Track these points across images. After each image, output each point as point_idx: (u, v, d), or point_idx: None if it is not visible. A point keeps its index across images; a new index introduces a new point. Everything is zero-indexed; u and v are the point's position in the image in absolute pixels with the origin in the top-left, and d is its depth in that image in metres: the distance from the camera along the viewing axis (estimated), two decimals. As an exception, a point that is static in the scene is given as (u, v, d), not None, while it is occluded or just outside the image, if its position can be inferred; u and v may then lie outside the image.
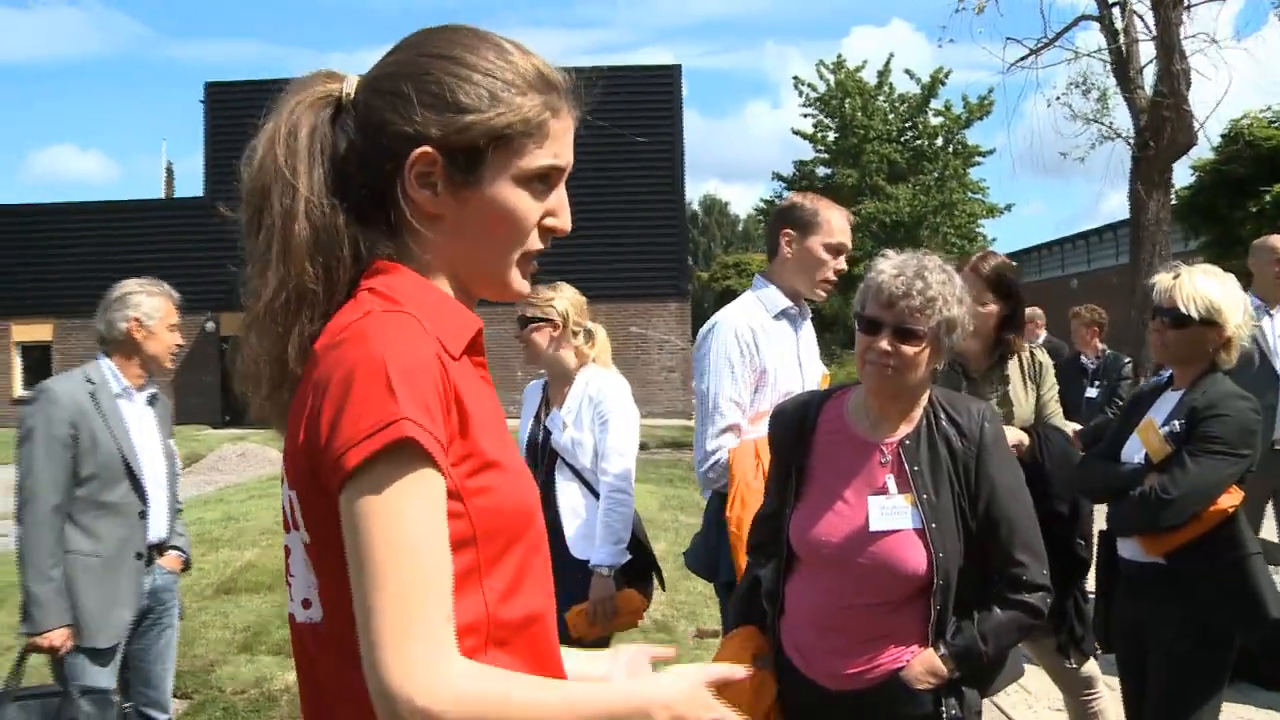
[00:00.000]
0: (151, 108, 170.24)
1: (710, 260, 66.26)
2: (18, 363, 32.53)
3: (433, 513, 1.26)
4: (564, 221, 1.51)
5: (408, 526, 1.23)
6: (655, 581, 4.57)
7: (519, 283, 1.50)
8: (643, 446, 16.89)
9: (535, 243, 1.48)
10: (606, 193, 32.35)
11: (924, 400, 2.81)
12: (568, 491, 4.37)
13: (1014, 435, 3.96)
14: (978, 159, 34.09)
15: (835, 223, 3.90)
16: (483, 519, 1.35)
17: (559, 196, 1.50)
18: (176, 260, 23.03)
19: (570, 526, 4.31)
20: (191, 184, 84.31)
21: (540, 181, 1.45)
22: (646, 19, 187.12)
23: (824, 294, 3.96)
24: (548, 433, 4.47)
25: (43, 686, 4.00)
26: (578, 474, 4.38)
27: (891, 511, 2.68)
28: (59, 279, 30.49)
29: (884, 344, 2.67)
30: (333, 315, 1.39)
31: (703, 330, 4.01)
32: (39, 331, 32.31)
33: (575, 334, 4.46)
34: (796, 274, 3.94)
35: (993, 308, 4.20)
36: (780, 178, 36.54)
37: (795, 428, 2.92)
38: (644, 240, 32.51)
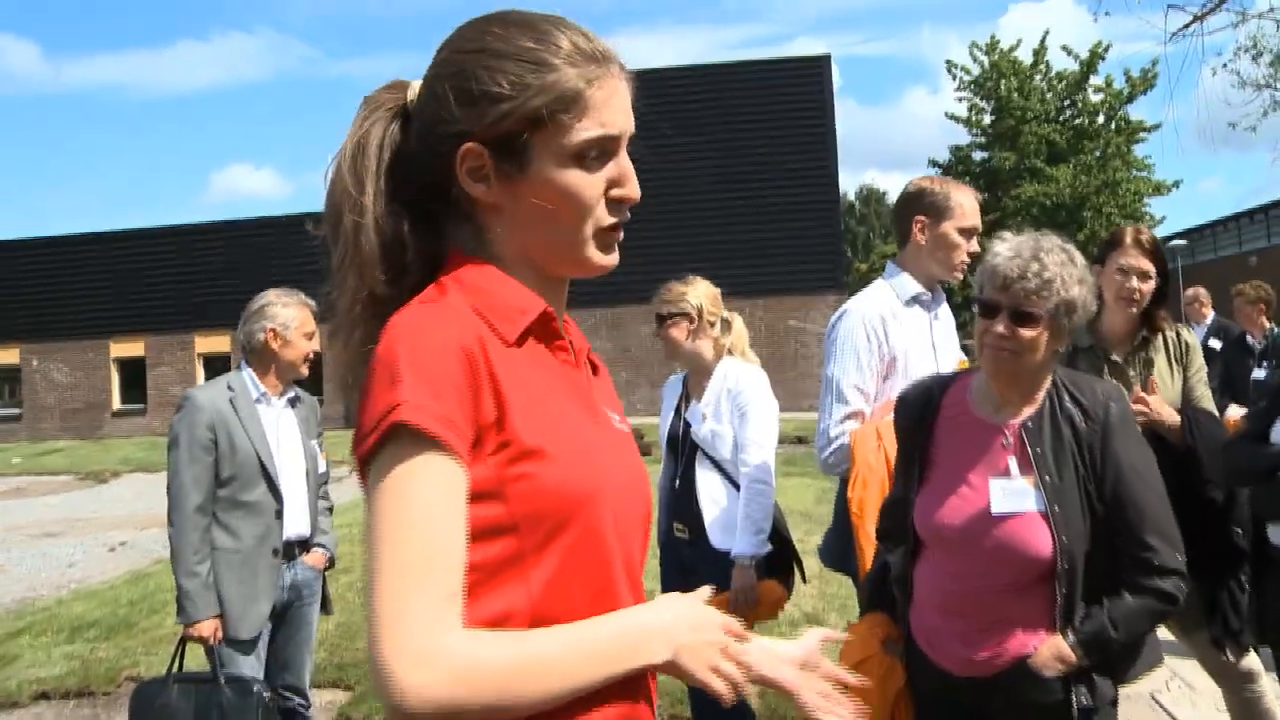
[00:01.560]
0: (319, 125, 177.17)
1: (870, 251, 65.42)
2: (200, 373, 34.22)
3: (434, 491, 1.27)
4: (631, 190, 1.48)
5: (407, 508, 1.26)
6: (797, 574, 4.59)
7: (600, 258, 1.49)
8: (800, 440, 16.91)
9: (605, 216, 1.47)
10: (761, 188, 32.30)
11: (1047, 382, 2.77)
12: (708, 483, 4.42)
13: (1167, 415, 3.84)
14: (1142, 135, 32.66)
15: (967, 205, 3.87)
16: (522, 505, 1.34)
17: (621, 165, 1.47)
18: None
19: (710, 517, 4.37)
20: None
21: (594, 155, 1.43)
22: (797, 11, 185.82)
23: (960, 276, 3.92)
24: (688, 425, 4.53)
25: (198, 673, 4.26)
26: (718, 465, 4.42)
27: (1013, 494, 2.66)
28: (230, 293, 31.96)
29: (1000, 327, 2.65)
30: None
31: (833, 318, 4.01)
32: (218, 344, 33.96)
33: (711, 325, 4.52)
34: (931, 259, 3.91)
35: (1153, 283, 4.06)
36: (936, 164, 35.66)
37: (918, 412, 2.91)
38: (800, 234, 32.30)
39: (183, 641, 4.28)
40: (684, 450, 4.55)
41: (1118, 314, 4.04)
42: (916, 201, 3.94)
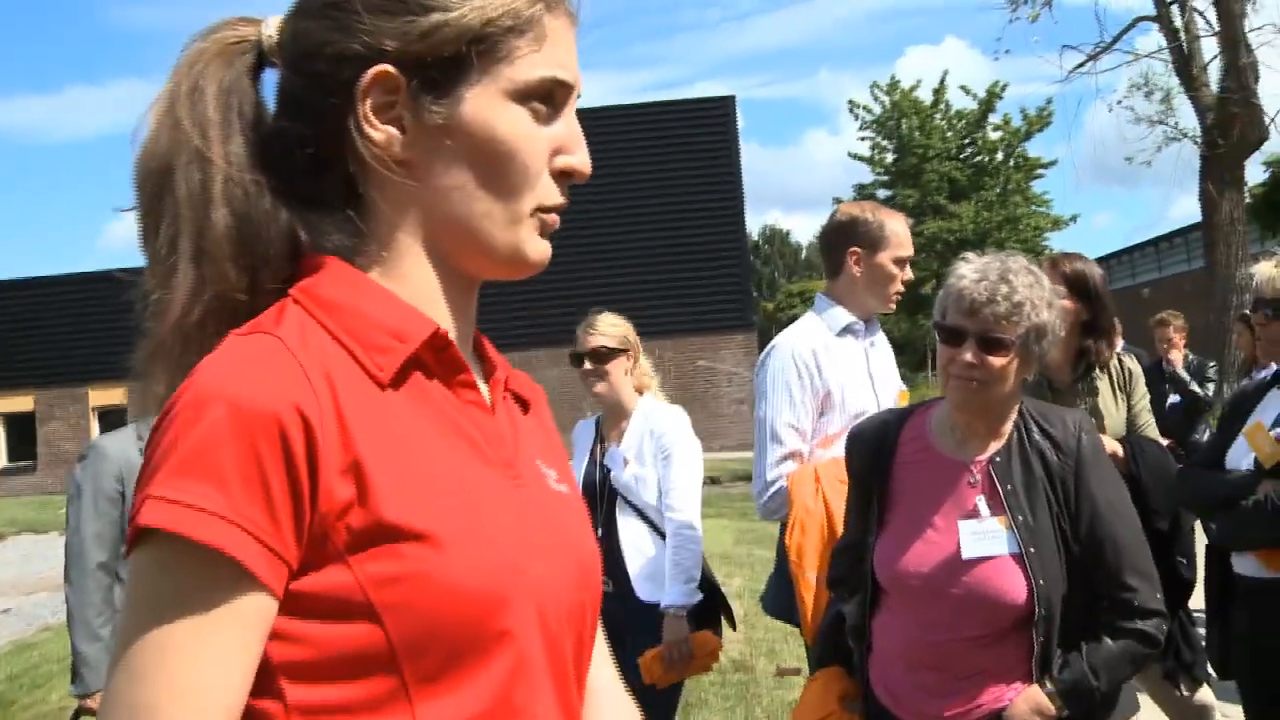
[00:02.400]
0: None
1: (775, 290, 66.07)
2: (95, 427, 33.14)
3: (186, 635, 0.89)
4: (580, 160, 1.11)
5: (143, 658, 0.89)
6: (725, 621, 4.35)
7: (537, 247, 1.10)
8: (714, 480, 16.85)
9: (551, 191, 1.09)
10: (668, 228, 32.37)
11: (1014, 414, 2.58)
12: (632, 531, 4.16)
13: (1108, 444, 3.71)
14: (1040, 171, 33.61)
15: (901, 233, 3.71)
16: (401, 621, 0.94)
17: (570, 127, 1.10)
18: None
19: (635, 567, 4.11)
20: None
21: (542, 101, 1.07)
22: (698, 55, 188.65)
23: (893, 306, 3.75)
24: (606, 471, 4.26)
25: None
26: (640, 513, 4.17)
27: (984, 536, 2.46)
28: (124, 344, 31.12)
29: (968, 355, 2.45)
30: None
31: (761, 355, 3.81)
32: (113, 396, 32.96)
33: (635, 362, 4.29)
34: (867, 291, 3.72)
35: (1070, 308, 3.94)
36: (840, 202, 36.21)
37: (874, 449, 2.70)
38: (707, 273, 32.40)
39: (78, 714, 3.98)
40: (603, 498, 4.28)
41: (1067, 341, 3.91)
42: (850, 231, 3.75)
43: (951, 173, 33.04)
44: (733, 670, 6.69)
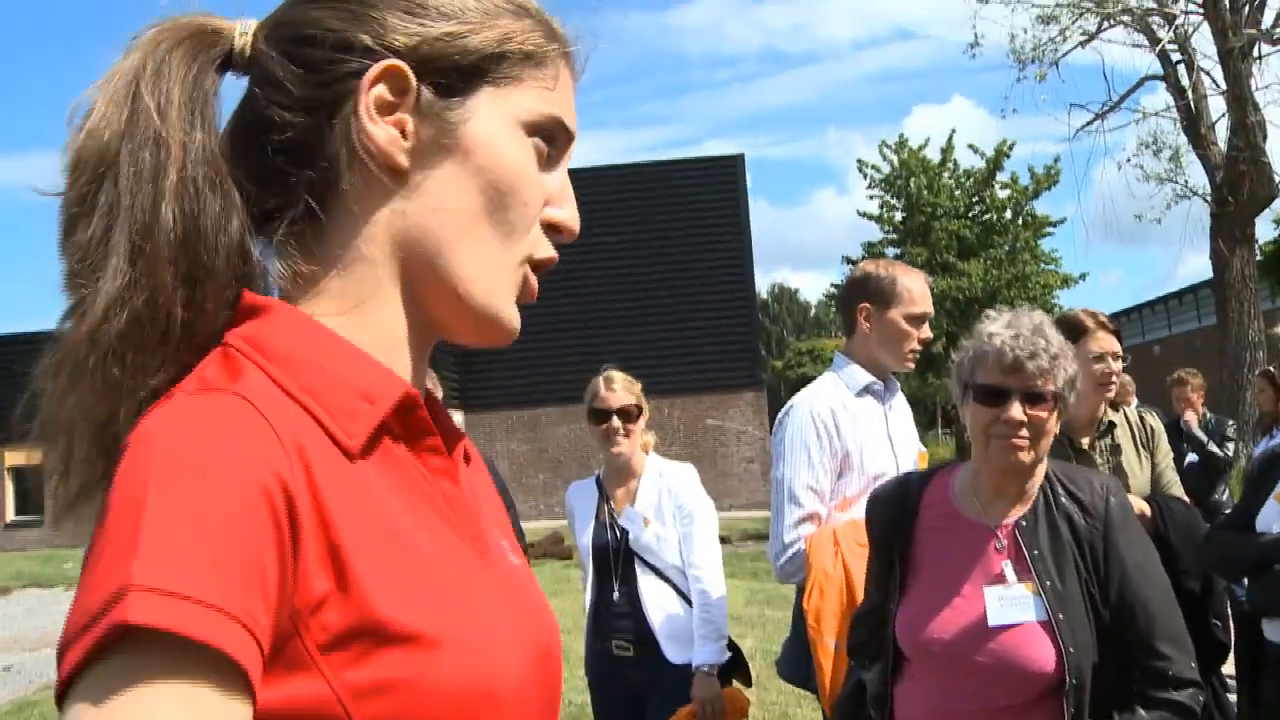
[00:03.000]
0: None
1: (784, 348, 66.14)
2: (9, 488, 33.40)
3: None
4: (569, 215, 1.01)
5: None
6: (740, 681, 4.28)
7: (510, 308, 0.98)
8: (725, 539, 16.66)
9: (543, 243, 0.99)
10: (677, 286, 32.42)
11: (1040, 475, 2.51)
12: (655, 593, 4.11)
13: (1135, 504, 3.63)
14: (1049, 229, 33.66)
15: (916, 290, 3.64)
16: None
17: (563, 180, 1.02)
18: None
19: (660, 629, 4.05)
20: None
21: (546, 142, 0.98)
22: (705, 114, 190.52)
23: (912, 365, 3.68)
24: (620, 532, 4.18)
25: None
26: (660, 573, 4.11)
27: (1011, 603, 2.38)
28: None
29: (1015, 413, 2.39)
30: (188, 371, 0.87)
31: (780, 415, 3.74)
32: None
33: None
34: (880, 349, 3.66)
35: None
36: (850, 261, 36.18)
37: (895, 512, 2.63)
38: (716, 332, 32.43)
39: None
40: (619, 560, 4.19)
41: (1089, 400, 3.85)
42: (861, 288, 3.71)
43: (960, 231, 33.08)
44: (747, 735, 6.56)
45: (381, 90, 0.91)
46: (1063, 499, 2.47)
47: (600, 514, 4.29)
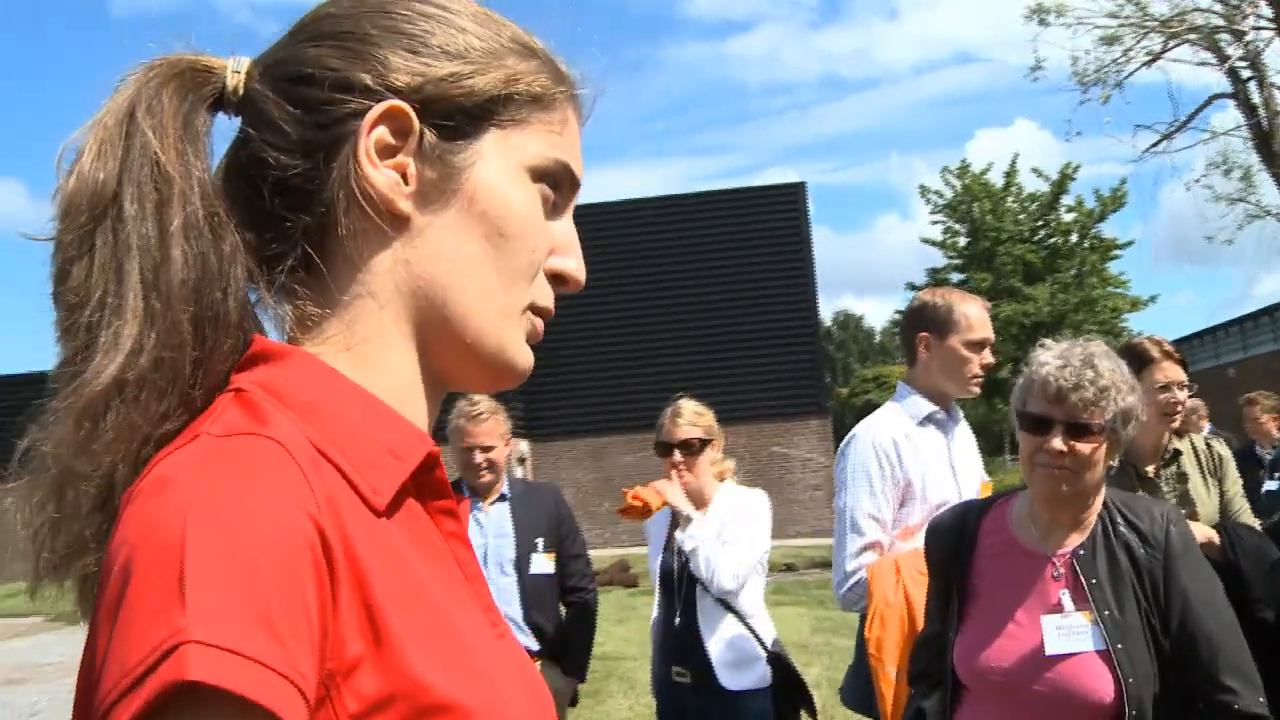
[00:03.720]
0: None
1: (849, 375, 65.72)
2: None
3: None
4: (574, 265, 0.98)
5: None
6: (806, 713, 4.27)
7: (522, 351, 0.95)
8: (790, 567, 16.63)
9: (545, 291, 0.96)
10: (740, 314, 32.40)
11: (1098, 504, 2.51)
12: (712, 619, 4.13)
13: (1202, 532, 3.60)
14: (1116, 252, 33.17)
15: (973, 316, 3.65)
16: None
17: (569, 227, 0.98)
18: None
19: (717, 655, 4.08)
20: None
21: (552, 188, 0.95)
22: (766, 141, 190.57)
23: (976, 391, 3.68)
24: (684, 558, 4.22)
25: None
26: (721, 601, 4.13)
27: (1069, 632, 2.38)
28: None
29: (1056, 443, 2.40)
30: (196, 416, 0.83)
31: (842, 444, 3.77)
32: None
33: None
34: (941, 377, 3.68)
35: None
36: (913, 287, 35.88)
37: (954, 542, 2.65)
38: (780, 359, 32.32)
39: None
40: (681, 584, 4.24)
41: (1154, 429, 3.83)
42: (919, 317, 3.75)
43: (1025, 255, 32.71)
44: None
45: (382, 132, 0.88)
46: (1121, 528, 2.47)
47: (670, 540, 4.35)
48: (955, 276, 34.51)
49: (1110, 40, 19.27)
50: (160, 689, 0.62)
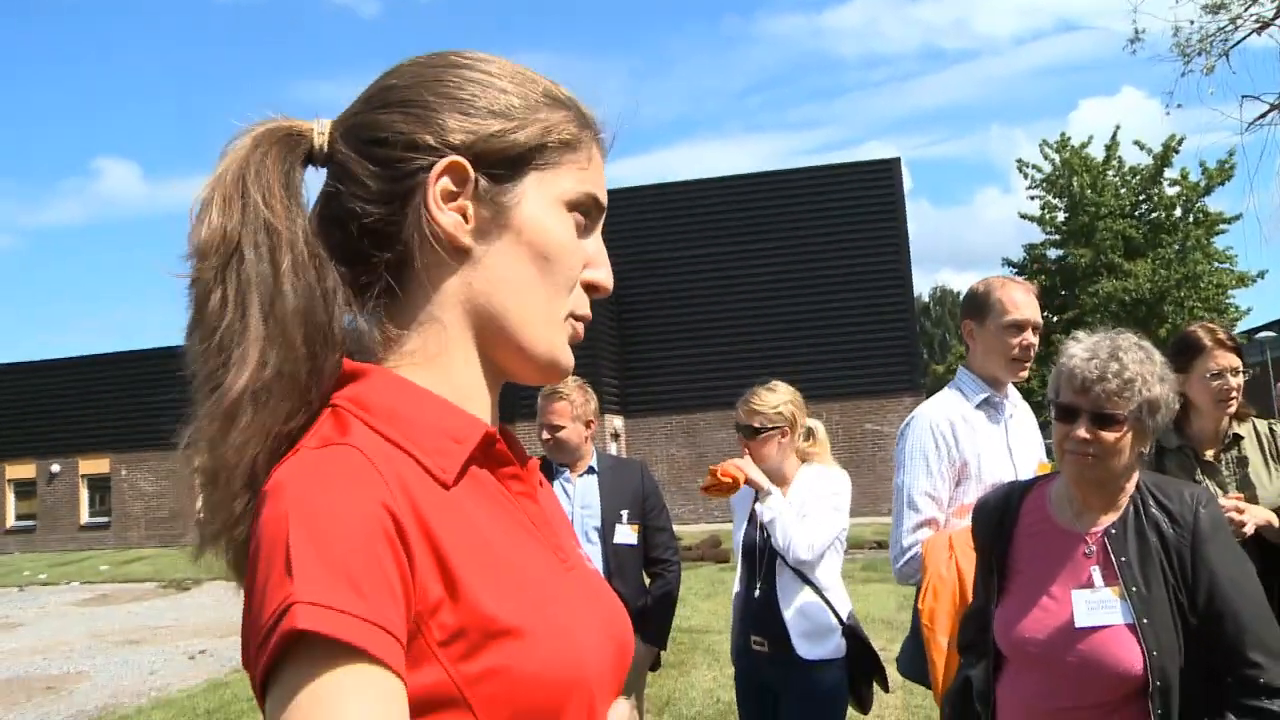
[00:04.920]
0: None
1: (946, 351, 64.93)
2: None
3: None
4: (604, 275, 1.21)
5: None
6: (878, 684, 4.43)
7: (565, 352, 1.18)
8: (880, 544, 16.60)
9: (582, 300, 1.19)
10: (834, 291, 32.33)
11: (1130, 487, 2.65)
12: (791, 591, 4.31)
13: (1262, 514, 3.68)
14: (1222, 226, 32.08)
15: (1009, 299, 3.78)
16: (493, 714, 0.98)
17: (598, 245, 1.21)
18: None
19: (795, 627, 4.26)
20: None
21: (583, 214, 1.18)
22: (862, 115, 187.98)
23: (1023, 374, 3.82)
24: (766, 533, 4.41)
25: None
26: (798, 572, 4.31)
27: (1098, 606, 2.52)
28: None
29: (1081, 431, 2.55)
30: (311, 423, 1.07)
31: (902, 426, 3.94)
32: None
33: (797, 434, 4.46)
34: (987, 361, 3.84)
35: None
36: (1010, 263, 35.33)
37: (996, 520, 2.81)
38: (875, 336, 32.22)
39: None
40: (764, 558, 4.43)
41: (1211, 415, 3.93)
42: (966, 305, 3.95)
43: (1126, 230, 31.90)
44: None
45: (446, 182, 1.10)
46: (1152, 509, 2.60)
47: (752, 515, 4.52)
48: (1053, 252, 33.88)
49: (1216, 8, 18.79)
50: (282, 638, 0.86)
